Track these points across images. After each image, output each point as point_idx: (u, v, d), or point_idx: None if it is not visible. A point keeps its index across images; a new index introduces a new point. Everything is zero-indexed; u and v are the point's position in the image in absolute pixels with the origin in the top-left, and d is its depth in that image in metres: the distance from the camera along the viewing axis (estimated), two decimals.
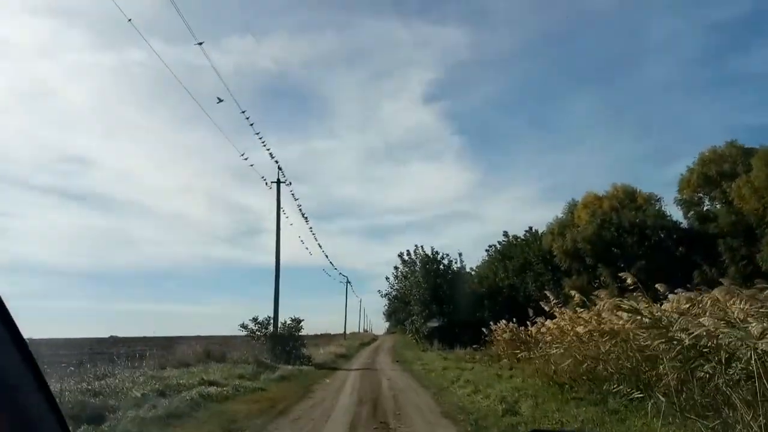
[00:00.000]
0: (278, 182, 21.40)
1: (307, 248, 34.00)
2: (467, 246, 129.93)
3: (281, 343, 19.46)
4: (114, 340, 43.08)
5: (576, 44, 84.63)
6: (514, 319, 24.42)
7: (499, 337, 23.71)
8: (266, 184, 21.30)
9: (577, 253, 35.48)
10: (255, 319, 19.97)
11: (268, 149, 20.25)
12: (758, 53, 69.25)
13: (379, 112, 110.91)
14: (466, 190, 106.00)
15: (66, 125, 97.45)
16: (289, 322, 20.44)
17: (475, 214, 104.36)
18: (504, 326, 23.16)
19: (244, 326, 20.15)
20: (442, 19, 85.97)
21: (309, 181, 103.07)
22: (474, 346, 29.95)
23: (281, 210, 20.91)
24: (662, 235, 33.43)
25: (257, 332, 19.94)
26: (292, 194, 27.02)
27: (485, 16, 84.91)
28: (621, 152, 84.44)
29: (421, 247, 41.56)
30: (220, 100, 16.20)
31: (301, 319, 20.36)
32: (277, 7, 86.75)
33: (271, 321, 20.29)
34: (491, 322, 26.96)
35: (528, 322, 22.53)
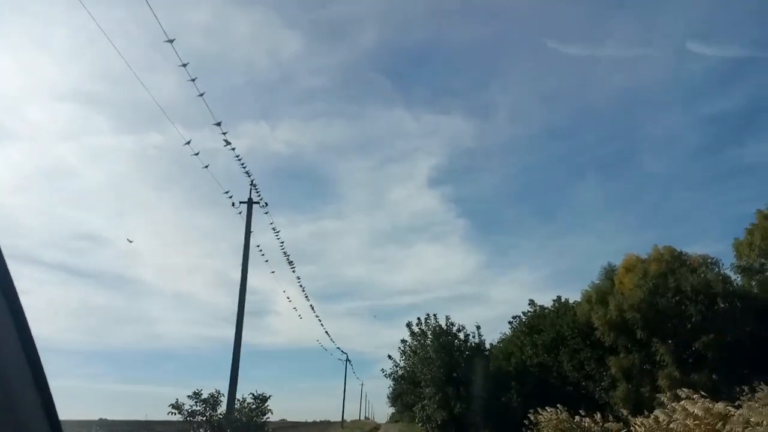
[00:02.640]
0: (249, 202, 16.18)
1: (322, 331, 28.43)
2: (472, 329, 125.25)
3: None
4: (102, 424, 38.20)
5: (578, 138, 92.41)
6: (559, 407, 18.33)
7: (547, 430, 17.39)
8: (233, 205, 16.11)
9: (625, 324, 29.20)
10: (197, 396, 13.90)
11: (238, 157, 15.16)
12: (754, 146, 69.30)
13: (386, 196, 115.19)
14: (471, 272, 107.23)
15: (81, 204, 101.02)
16: (248, 400, 14.44)
17: (480, 297, 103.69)
18: (555, 415, 16.89)
19: (176, 407, 13.98)
20: (448, 109, 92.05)
21: (317, 261, 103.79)
22: None
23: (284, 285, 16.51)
24: (731, 305, 27.32)
25: (200, 415, 13.82)
26: (298, 280, 24.20)
27: (490, 108, 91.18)
28: (625, 240, 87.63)
29: (434, 316, 35.52)
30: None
31: (267, 395, 14.38)
32: (291, 97, 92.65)
33: (221, 399, 14.22)
34: (531, 411, 20.59)
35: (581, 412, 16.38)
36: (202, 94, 13.66)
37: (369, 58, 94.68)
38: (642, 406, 26.75)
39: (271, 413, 14.52)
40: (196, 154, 14.31)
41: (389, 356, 37.22)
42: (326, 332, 39.66)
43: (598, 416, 17.41)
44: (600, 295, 31.74)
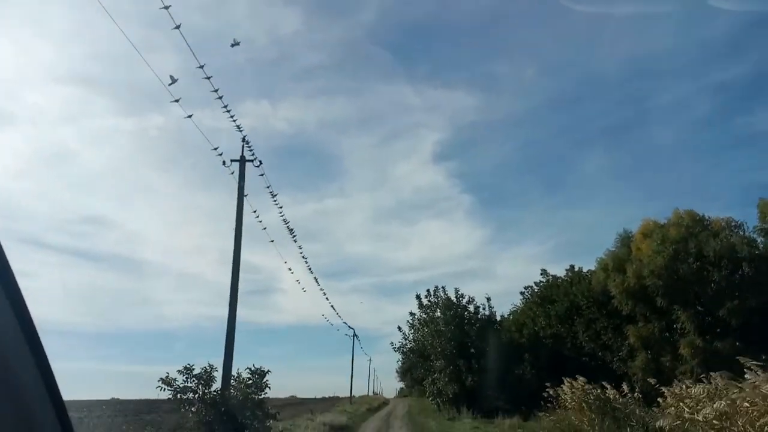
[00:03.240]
0: (242, 160, 14.82)
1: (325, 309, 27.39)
2: (482, 302, 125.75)
3: (229, 413, 12.03)
4: (112, 403, 37.79)
5: (583, 108, 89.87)
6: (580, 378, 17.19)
7: (569, 403, 16.21)
8: (224, 164, 14.78)
9: (643, 292, 27.92)
10: (188, 371, 12.63)
11: (234, 120, 13.75)
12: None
13: (389, 172, 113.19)
14: (476, 247, 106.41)
15: (84, 187, 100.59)
16: (245, 376, 13.18)
17: (486, 272, 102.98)
18: (578, 386, 15.68)
19: (167, 382, 12.67)
20: (450, 83, 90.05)
21: (321, 239, 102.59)
22: (524, 411, 22.35)
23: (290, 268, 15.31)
24: (757, 269, 25.94)
25: (192, 392, 12.59)
26: (300, 251, 23.31)
27: (493, 80, 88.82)
28: (632, 211, 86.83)
29: (443, 288, 34.38)
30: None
31: (266, 370, 13.11)
32: (292, 74, 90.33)
33: (215, 374, 12.94)
34: (548, 384, 19.43)
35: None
36: (202, 66, 12.40)
37: (369, 33, 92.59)
38: (662, 376, 25.60)
39: (269, 389, 13.35)
40: (190, 116, 12.95)
41: (399, 328, 36.28)
42: (332, 306, 38.63)
43: (625, 387, 16.17)
44: (617, 263, 30.36)
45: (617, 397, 14.87)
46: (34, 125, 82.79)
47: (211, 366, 12.72)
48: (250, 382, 12.96)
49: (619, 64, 78.32)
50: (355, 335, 60.70)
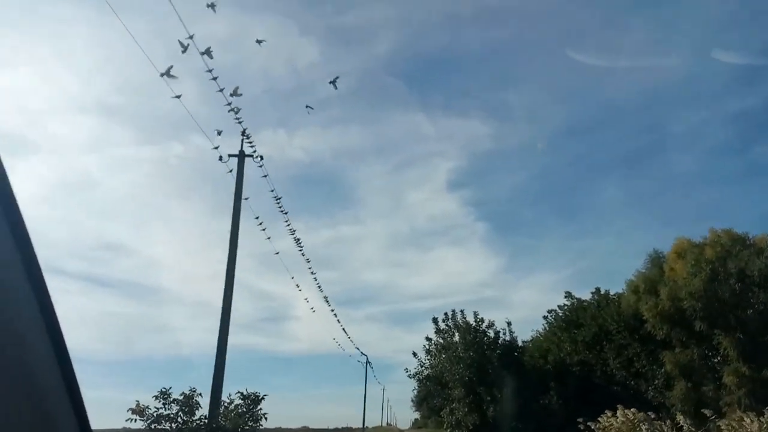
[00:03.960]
0: (241, 155, 13.36)
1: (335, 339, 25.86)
2: (502, 326, 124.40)
3: None
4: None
5: (598, 136, 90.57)
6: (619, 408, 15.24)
7: None
8: (220, 159, 13.34)
9: (680, 315, 25.84)
10: (164, 395, 10.81)
11: (234, 110, 12.27)
12: None
13: (404, 200, 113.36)
14: (492, 275, 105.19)
15: (104, 214, 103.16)
16: (236, 401, 11.36)
17: (502, 300, 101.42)
18: (624, 418, 13.76)
19: (137, 411, 10.81)
20: (465, 112, 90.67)
21: (335, 267, 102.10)
22: None
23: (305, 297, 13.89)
24: None
25: (170, 422, 10.73)
26: (314, 276, 22.49)
27: (506, 109, 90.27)
28: (650, 239, 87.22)
29: (461, 312, 32.45)
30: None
31: (260, 395, 11.30)
32: (309, 104, 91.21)
33: (200, 399, 11.17)
34: (580, 420, 17.41)
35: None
36: (215, 79, 11.17)
37: (385, 64, 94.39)
38: (705, 407, 23.34)
39: (266, 419, 11.56)
40: (178, 96, 11.60)
41: (414, 354, 34.23)
42: (344, 330, 36.84)
43: (681, 418, 14.21)
44: (649, 284, 28.31)
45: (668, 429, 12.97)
46: (57, 154, 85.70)
47: (193, 390, 11.02)
48: (243, 410, 11.24)
49: (634, 92, 78.44)
50: (368, 362, 58.61)
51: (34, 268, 1.53)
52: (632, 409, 14.22)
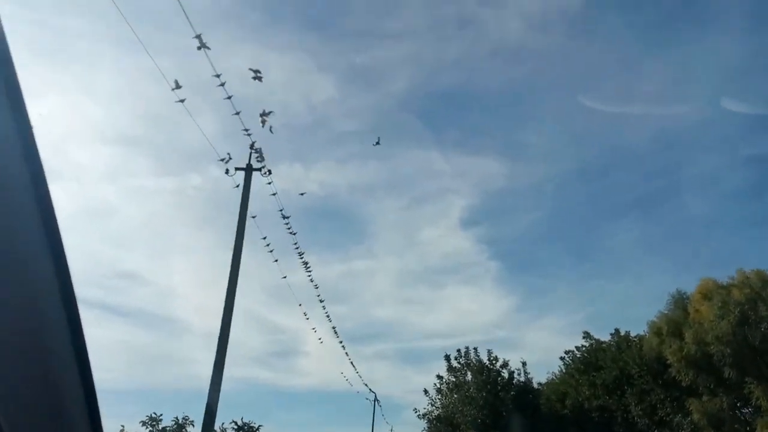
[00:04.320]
0: (248, 168, 12.69)
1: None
2: (516, 366, 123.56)
3: None
4: None
5: (612, 177, 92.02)
6: None
7: None
8: (227, 172, 12.64)
9: (707, 361, 24.51)
10: (153, 423, 9.93)
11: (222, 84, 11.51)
12: None
13: (417, 236, 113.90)
14: (504, 316, 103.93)
15: (120, 243, 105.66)
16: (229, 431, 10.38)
17: (514, 342, 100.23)
18: None
19: None
20: (478, 150, 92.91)
21: (347, 302, 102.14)
22: None
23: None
24: None
25: None
26: (325, 311, 22.09)
27: (521, 148, 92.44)
28: (665, 283, 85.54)
29: (474, 349, 31.25)
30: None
31: (256, 426, 10.34)
32: (325, 139, 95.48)
33: (186, 430, 10.21)
34: None
35: None
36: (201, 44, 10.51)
37: (400, 101, 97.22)
38: None
39: None
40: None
41: (425, 391, 32.86)
42: (352, 363, 35.51)
43: None
44: (672, 326, 27.03)
45: None
46: (78, 182, 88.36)
47: (185, 419, 10.11)
48: None
49: (648, 136, 79.95)
50: (376, 399, 56.87)
51: (63, 270, 1.60)
52: None
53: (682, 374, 25.20)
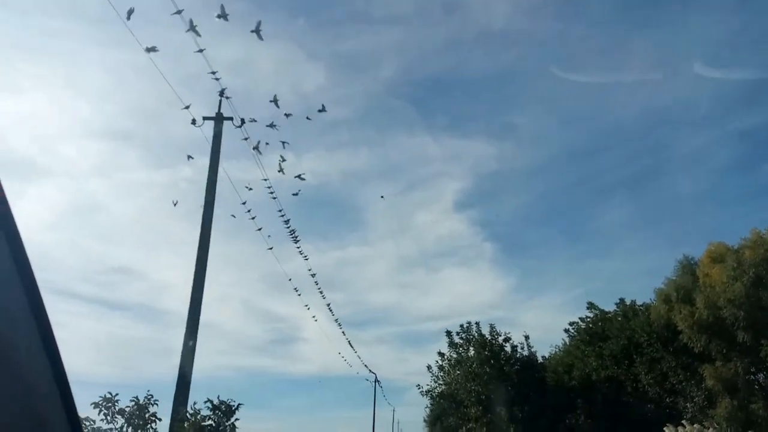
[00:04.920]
0: (218, 117, 11.41)
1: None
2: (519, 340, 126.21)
3: None
4: None
5: (603, 157, 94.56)
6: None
7: None
8: (193, 122, 11.40)
9: (720, 325, 23.46)
10: (108, 403, 8.70)
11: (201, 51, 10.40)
12: None
13: (411, 221, 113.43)
14: (500, 296, 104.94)
15: (113, 238, 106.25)
16: (203, 412, 9.29)
17: (511, 321, 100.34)
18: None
19: None
20: (470, 134, 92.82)
21: (344, 289, 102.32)
22: None
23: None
24: None
25: None
26: (323, 296, 21.94)
27: (511, 131, 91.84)
28: (659, 259, 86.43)
29: (476, 324, 30.15)
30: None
31: (234, 404, 9.27)
32: (316, 128, 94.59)
33: (155, 409, 9.03)
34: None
35: None
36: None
37: (390, 87, 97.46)
38: (754, 426, 20.83)
39: (235, 429, 9.46)
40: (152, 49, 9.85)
41: (428, 367, 31.83)
42: (350, 344, 34.73)
43: None
44: (682, 292, 25.91)
45: None
46: (68, 178, 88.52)
47: (148, 397, 8.91)
48: (210, 425, 9.13)
49: (637, 113, 79.68)
50: (376, 380, 56.25)
51: (32, 286, 1.62)
52: (695, 425, 11.97)
53: (694, 340, 24.17)
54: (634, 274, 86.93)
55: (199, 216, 10.94)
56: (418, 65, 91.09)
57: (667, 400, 24.84)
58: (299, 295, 19.86)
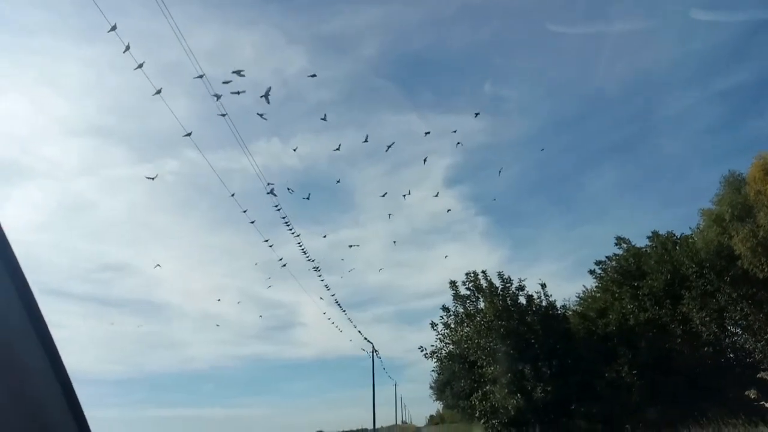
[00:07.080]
0: None
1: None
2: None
3: None
4: None
5: (589, 125, 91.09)
6: None
7: None
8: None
9: None
10: None
11: None
12: None
13: (402, 200, 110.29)
14: (496, 268, 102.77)
15: (103, 235, 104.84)
16: None
17: None
18: None
19: None
20: (456, 109, 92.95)
21: (339, 271, 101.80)
22: None
23: None
24: None
25: None
26: (321, 279, 18.20)
27: (498, 105, 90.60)
28: (649, 222, 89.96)
29: (483, 272, 25.44)
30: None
31: None
32: (301, 111, 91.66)
33: None
34: None
35: None
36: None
37: (373, 67, 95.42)
38: None
39: None
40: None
41: (432, 324, 27.18)
42: (348, 319, 30.55)
43: None
44: (738, 210, 21.23)
45: None
46: (52, 178, 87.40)
47: None
48: None
49: (621, 79, 77.45)
50: (374, 350, 52.00)
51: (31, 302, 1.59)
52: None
53: (757, 264, 19.65)
54: (629, 236, 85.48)
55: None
56: (400, 43, 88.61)
57: (727, 340, 20.39)
58: (295, 279, 16.17)
